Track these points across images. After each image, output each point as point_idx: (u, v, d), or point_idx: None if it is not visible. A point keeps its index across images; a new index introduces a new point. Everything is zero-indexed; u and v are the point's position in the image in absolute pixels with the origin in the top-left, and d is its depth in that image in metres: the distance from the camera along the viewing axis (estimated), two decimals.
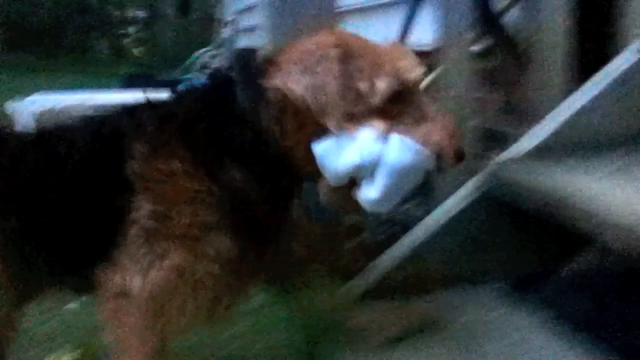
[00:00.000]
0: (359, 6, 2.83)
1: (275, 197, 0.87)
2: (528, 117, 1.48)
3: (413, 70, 0.84)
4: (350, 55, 0.82)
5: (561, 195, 1.02)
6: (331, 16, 1.22)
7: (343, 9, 1.42)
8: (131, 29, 9.37)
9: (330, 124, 0.80)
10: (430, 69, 1.44)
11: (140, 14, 11.13)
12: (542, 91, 1.49)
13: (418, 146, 0.80)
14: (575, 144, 1.25)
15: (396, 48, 0.88)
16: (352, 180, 0.82)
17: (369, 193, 0.81)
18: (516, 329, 1.09)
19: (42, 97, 2.69)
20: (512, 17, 1.76)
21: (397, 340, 1.04)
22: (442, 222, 1.22)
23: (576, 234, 1.00)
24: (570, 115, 1.25)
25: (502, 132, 1.60)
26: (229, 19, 5.48)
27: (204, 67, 5.28)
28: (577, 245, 1.25)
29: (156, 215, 0.82)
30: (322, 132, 0.81)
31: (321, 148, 0.81)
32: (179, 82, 4.05)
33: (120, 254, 0.83)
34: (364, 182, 0.81)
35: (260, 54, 0.91)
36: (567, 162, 1.19)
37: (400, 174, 0.80)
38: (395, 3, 2.38)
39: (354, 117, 0.80)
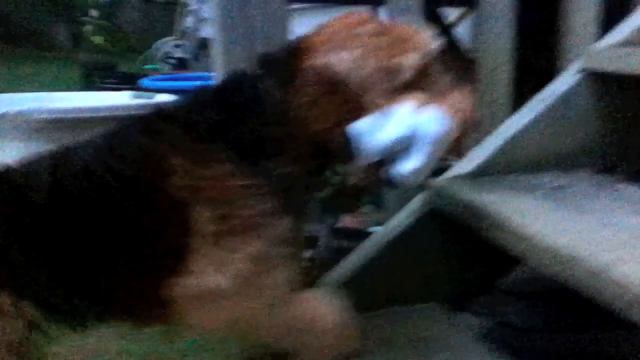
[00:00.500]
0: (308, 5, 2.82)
1: (305, 179, 0.94)
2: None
3: (433, 42, 0.90)
4: (380, 32, 0.87)
5: (497, 216, 1.07)
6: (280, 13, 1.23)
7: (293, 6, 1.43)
8: (92, 13, 9.11)
9: (370, 100, 0.84)
10: None
11: None
12: (488, 109, 1.54)
13: (448, 115, 0.86)
14: (518, 163, 1.31)
15: (408, 25, 0.94)
16: (381, 159, 0.87)
17: (409, 165, 0.86)
18: (457, 343, 1.15)
19: None
20: (462, 32, 1.81)
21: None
22: (390, 237, 1.27)
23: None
24: (513, 134, 1.31)
25: None
26: (191, 8, 5.42)
27: (166, 57, 5.24)
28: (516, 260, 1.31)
29: (215, 218, 0.85)
30: (358, 111, 0.85)
31: (358, 127, 0.85)
32: (141, 75, 4.00)
33: (191, 263, 0.86)
34: (401, 156, 0.86)
35: (287, 42, 0.95)
36: (508, 181, 1.25)
37: (436, 144, 0.86)
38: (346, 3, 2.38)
39: (389, 93, 0.85)
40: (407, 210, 1.31)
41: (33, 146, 1.78)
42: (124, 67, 5.75)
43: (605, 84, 1.33)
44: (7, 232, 0.87)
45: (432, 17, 1.69)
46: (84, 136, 1.78)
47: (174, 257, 0.86)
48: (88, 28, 6.99)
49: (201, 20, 5.19)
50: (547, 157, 1.33)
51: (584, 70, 1.32)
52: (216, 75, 1.23)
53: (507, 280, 1.31)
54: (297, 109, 0.87)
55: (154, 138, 0.89)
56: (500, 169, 1.29)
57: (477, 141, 1.37)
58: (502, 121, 1.38)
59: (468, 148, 1.33)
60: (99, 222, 0.87)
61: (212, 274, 0.85)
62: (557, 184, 1.23)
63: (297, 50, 0.89)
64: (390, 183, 0.89)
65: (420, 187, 1.33)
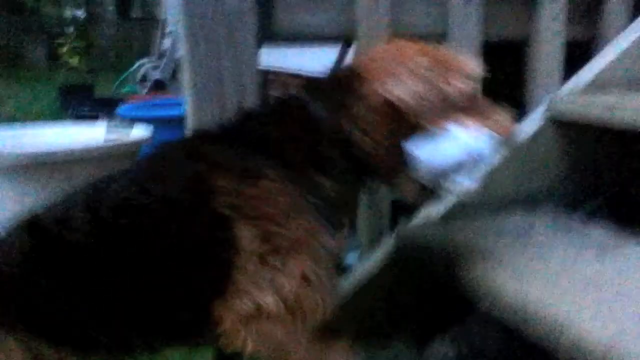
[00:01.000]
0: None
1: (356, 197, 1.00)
2: None
3: (478, 69, 0.99)
4: (433, 59, 0.94)
5: (460, 264, 1.11)
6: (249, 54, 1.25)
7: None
8: (68, 31, 9.04)
9: (428, 125, 0.91)
10: None
11: (79, 13, 10.77)
12: None
13: (493, 133, 0.95)
14: (486, 204, 1.36)
15: (452, 52, 1.01)
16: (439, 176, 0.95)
17: (467, 183, 0.95)
18: None
19: None
20: None
21: None
22: (359, 283, 1.31)
23: None
24: (483, 176, 1.35)
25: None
26: (169, 29, 5.42)
27: (144, 79, 5.21)
28: None
29: (263, 236, 0.86)
30: (414, 133, 0.92)
31: (418, 148, 0.92)
32: (118, 100, 3.99)
33: (238, 283, 0.86)
34: (458, 173, 0.94)
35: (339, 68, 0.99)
36: (477, 225, 1.29)
37: (485, 162, 0.95)
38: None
39: (443, 116, 0.92)
40: (378, 255, 1.34)
41: (5, 186, 1.77)
42: (101, 88, 5.73)
43: (566, 129, 1.39)
44: (49, 284, 0.85)
45: None
46: (58, 178, 1.78)
47: (222, 278, 0.86)
48: (63, 49, 6.94)
49: (179, 42, 5.19)
50: (515, 197, 1.38)
51: (546, 116, 1.38)
52: (188, 116, 1.24)
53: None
54: (351, 131, 0.92)
55: (197, 159, 0.90)
56: (469, 212, 1.33)
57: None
58: None
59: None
60: (145, 254, 0.86)
61: (263, 294, 0.85)
62: (523, 227, 1.28)
63: (350, 76, 0.95)
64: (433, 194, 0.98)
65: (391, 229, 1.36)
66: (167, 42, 5.41)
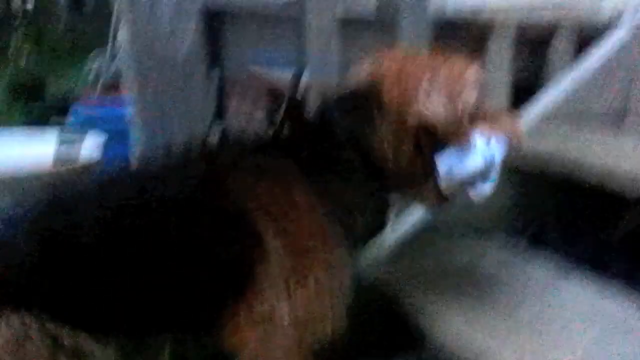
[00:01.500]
0: None
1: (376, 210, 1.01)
2: None
3: (482, 75, 1.01)
4: (447, 71, 0.96)
5: (415, 306, 1.15)
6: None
7: None
8: (16, 25, 8.69)
9: (452, 137, 0.93)
10: None
11: (28, 5, 10.38)
12: None
13: (507, 140, 0.98)
14: (436, 234, 1.41)
15: (459, 57, 1.03)
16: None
17: (485, 190, 0.98)
18: None
19: None
20: None
21: None
22: None
23: None
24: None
25: None
26: (128, 18, 5.28)
27: (97, 79, 5.05)
28: None
29: (280, 235, 0.87)
30: (438, 146, 0.94)
31: (443, 160, 0.94)
32: (70, 101, 3.86)
33: (256, 286, 0.86)
34: (478, 180, 0.97)
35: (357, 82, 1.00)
36: (427, 260, 1.33)
37: (500, 167, 0.98)
38: None
39: (466, 127, 0.95)
40: None
41: None
42: (53, 86, 5.53)
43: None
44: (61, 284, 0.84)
45: None
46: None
47: (237, 281, 0.87)
48: (10, 45, 6.67)
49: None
50: (464, 226, 1.43)
51: None
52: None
53: None
54: (375, 141, 0.94)
55: (213, 160, 0.92)
56: (422, 240, 1.39)
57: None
58: None
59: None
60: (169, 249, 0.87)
61: (278, 301, 0.86)
62: (470, 260, 1.33)
63: (373, 91, 0.95)
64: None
65: None
66: (122, 35, 5.27)
